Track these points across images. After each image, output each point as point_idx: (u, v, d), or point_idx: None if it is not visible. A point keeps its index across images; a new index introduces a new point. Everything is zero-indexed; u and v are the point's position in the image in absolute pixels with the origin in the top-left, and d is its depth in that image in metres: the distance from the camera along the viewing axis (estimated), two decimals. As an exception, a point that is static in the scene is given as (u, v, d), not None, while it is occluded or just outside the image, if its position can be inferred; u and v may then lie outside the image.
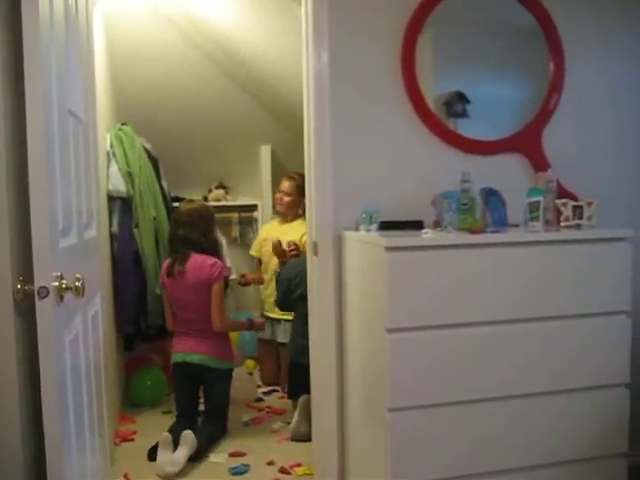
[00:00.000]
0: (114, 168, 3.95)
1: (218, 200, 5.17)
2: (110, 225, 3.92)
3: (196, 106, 4.76)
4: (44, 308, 1.69)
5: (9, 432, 1.81)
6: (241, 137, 5.10)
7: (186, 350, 3.65)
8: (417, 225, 2.63)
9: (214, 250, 3.76)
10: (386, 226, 2.60)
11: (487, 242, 2.32)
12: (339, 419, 2.86)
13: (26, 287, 1.77)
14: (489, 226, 2.58)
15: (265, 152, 5.24)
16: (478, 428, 2.34)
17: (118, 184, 3.93)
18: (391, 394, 2.26)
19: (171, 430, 3.40)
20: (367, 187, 2.76)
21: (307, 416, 3.46)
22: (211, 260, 3.66)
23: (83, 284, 1.83)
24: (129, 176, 3.99)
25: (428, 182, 2.73)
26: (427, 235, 2.41)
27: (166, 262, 3.78)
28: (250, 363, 4.93)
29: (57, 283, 1.73)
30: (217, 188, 5.26)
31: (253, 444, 3.58)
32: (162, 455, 3.25)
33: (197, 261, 3.65)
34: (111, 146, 4.01)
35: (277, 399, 4.35)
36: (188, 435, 3.31)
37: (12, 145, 1.81)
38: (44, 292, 1.68)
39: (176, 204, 4.30)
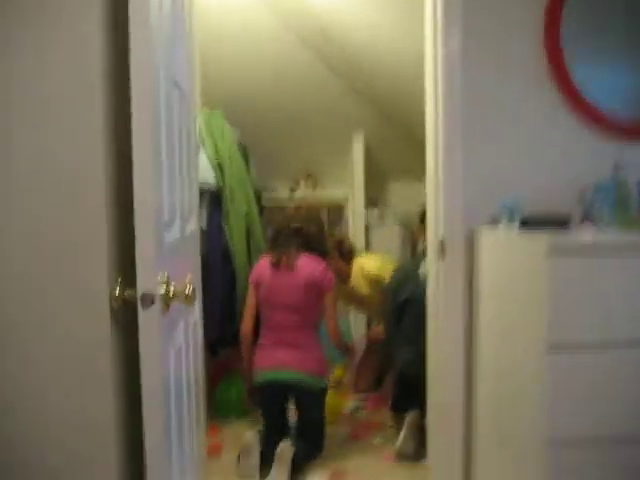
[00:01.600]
0: (202, 157, 3.64)
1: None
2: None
3: (285, 91, 4.48)
4: (148, 319, 1.38)
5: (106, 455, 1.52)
6: (332, 124, 4.78)
7: (277, 364, 3.26)
8: (564, 221, 2.24)
9: (320, 251, 3.45)
10: (529, 222, 2.21)
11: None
12: (465, 442, 2.50)
13: (126, 293, 1.46)
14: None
15: (357, 141, 4.91)
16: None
17: (207, 175, 3.62)
18: (550, 424, 1.87)
19: (260, 441, 3.12)
20: (502, 177, 2.43)
21: (415, 434, 3.12)
22: (321, 264, 3.35)
23: (194, 290, 1.51)
24: (219, 167, 3.68)
25: (571, 172, 2.41)
26: (587, 235, 2.02)
27: (265, 257, 3.44)
28: (338, 371, 4.57)
29: (164, 289, 1.41)
30: (305, 179, 4.94)
31: (354, 463, 3.23)
32: (244, 465, 3.03)
33: (308, 262, 3.33)
34: (199, 133, 3.71)
35: (370, 412, 3.99)
36: (285, 449, 2.98)
37: (109, 121, 1.51)
38: (149, 300, 1.37)
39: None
